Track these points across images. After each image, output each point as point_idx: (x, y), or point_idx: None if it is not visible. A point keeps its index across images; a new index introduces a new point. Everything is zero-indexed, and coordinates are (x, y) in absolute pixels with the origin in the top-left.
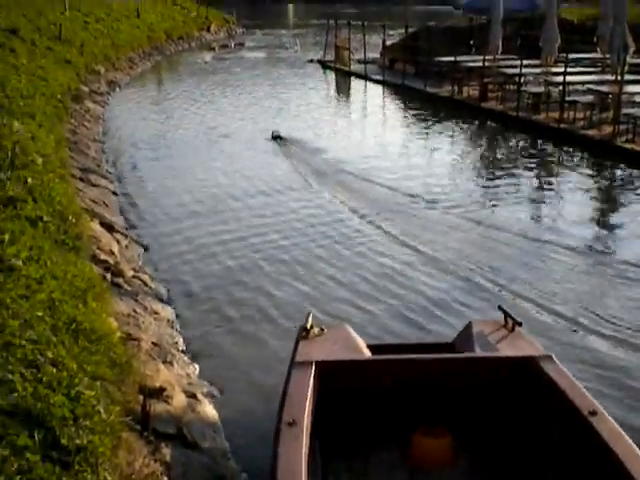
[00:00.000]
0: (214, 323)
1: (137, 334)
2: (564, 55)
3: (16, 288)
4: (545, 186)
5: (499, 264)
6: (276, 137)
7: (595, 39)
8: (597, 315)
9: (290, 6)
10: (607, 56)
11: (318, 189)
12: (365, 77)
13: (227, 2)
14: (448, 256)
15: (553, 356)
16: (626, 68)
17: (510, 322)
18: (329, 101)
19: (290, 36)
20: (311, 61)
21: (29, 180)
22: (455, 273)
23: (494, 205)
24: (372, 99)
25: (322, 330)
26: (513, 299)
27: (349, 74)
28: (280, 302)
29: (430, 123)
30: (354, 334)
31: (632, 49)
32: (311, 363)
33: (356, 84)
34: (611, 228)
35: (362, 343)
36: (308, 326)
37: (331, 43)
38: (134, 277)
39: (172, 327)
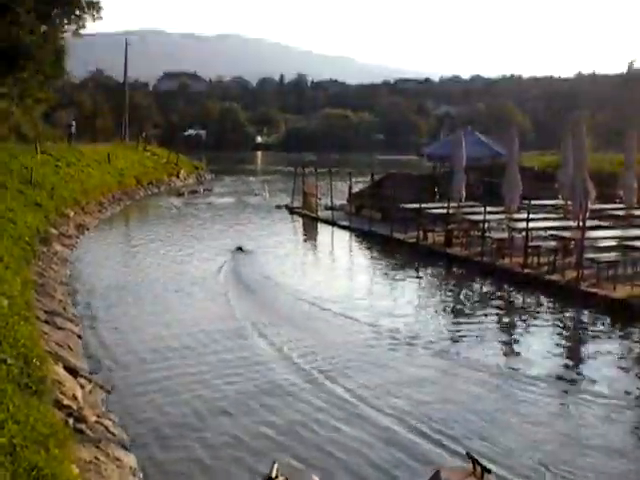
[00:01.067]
0: (180, 473)
1: None
2: (526, 202)
3: None
4: (509, 329)
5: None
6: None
7: (556, 186)
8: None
9: (258, 153)
10: (569, 202)
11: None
12: (332, 223)
13: (197, 148)
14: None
15: None
16: (587, 214)
17: (479, 469)
18: (297, 247)
19: (258, 182)
20: (279, 207)
21: None
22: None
23: (459, 343)
24: (339, 244)
25: (287, 479)
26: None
27: (317, 220)
28: (247, 447)
29: (397, 268)
30: None
31: (593, 195)
32: None
33: (323, 230)
34: (573, 367)
35: None
36: (273, 475)
37: (299, 189)
38: (97, 422)
39: (135, 475)
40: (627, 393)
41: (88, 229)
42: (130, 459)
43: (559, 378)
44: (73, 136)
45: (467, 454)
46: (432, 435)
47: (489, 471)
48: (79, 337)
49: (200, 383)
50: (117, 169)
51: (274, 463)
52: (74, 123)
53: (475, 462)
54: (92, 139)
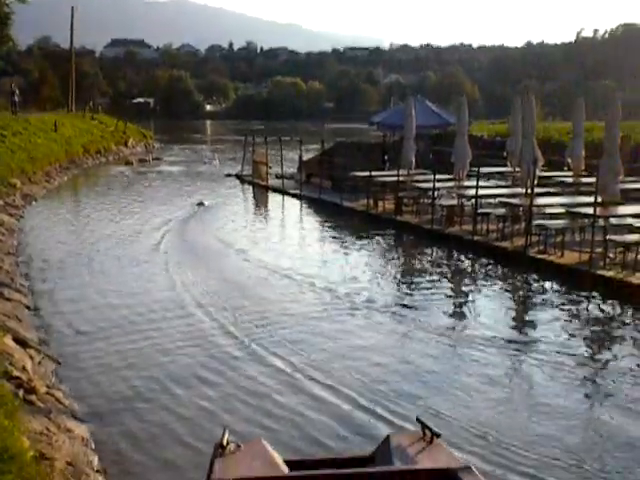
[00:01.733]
0: (131, 441)
1: (50, 453)
2: (475, 169)
3: None
4: (460, 295)
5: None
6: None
7: (505, 154)
8: None
9: (207, 122)
10: (517, 170)
11: None
12: (282, 191)
13: (146, 117)
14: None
15: (472, 467)
16: (536, 181)
17: (428, 433)
18: (247, 214)
19: (208, 151)
20: (229, 175)
21: None
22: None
23: (413, 307)
24: (289, 212)
25: (238, 446)
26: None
27: (267, 188)
28: (192, 417)
29: (346, 236)
30: (271, 449)
31: (541, 163)
32: None
33: (274, 198)
34: (521, 330)
35: (279, 459)
36: (224, 442)
37: (248, 158)
38: (47, 394)
39: (87, 445)
40: (572, 355)
41: (36, 199)
42: (82, 430)
43: (509, 341)
44: (17, 104)
45: (417, 419)
46: (389, 394)
47: (438, 435)
48: (27, 308)
49: (150, 353)
50: (64, 138)
51: (225, 430)
52: (17, 91)
53: (425, 426)
54: (39, 107)
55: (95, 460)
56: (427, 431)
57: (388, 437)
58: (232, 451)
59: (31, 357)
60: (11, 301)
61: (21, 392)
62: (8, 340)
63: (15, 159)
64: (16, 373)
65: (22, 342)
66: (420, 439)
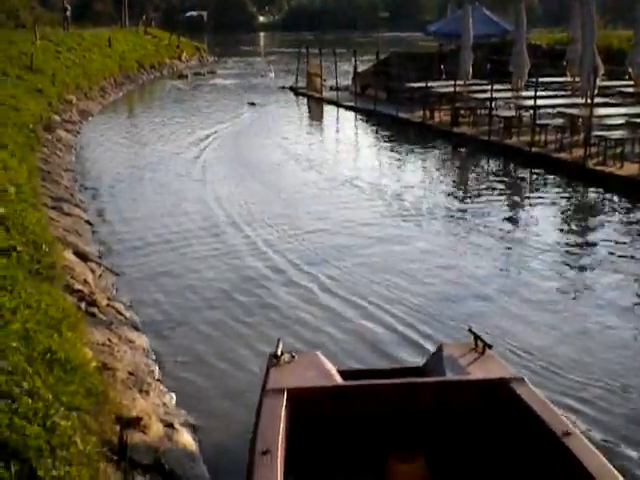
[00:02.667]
0: (190, 351)
1: (113, 363)
2: (534, 79)
3: None
4: (516, 205)
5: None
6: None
7: (564, 63)
8: None
9: (261, 34)
10: (577, 79)
11: None
12: (337, 104)
13: (199, 30)
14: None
15: (525, 378)
16: (596, 91)
17: (480, 345)
18: (301, 127)
19: (262, 63)
20: (283, 88)
21: (1, 210)
22: None
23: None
24: (344, 125)
25: (293, 357)
26: None
27: (321, 100)
28: (253, 326)
29: (402, 148)
30: (325, 360)
31: (601, 72)
32: (282, 391)
33: (328, 110)
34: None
35: (333, 369)
36: (279, 353)
37: (303, 70)
38: (108, 306)
39: (147, 356)
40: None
41: (92, 115)
42: (142, 340)
43: (566, 245)
44: (68, 20)
45: (469, 330)
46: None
47: (490, 346)
48: (87, 223)
49: (202, 266)
50: (118, 53)
51: (279, 341)
52: (69, 7)
53: (477, 337)
54: (93, 23)
55: (156, 369)
56: (479, 342)
57: (440, 347)
58: (287, 361)
59: (92, 270)
60: (71, 216)
61: (83, 304)
62: (69, 254)
63: (70, 75)
64: (78, 286)
65: (83, 256)
66: (472, 350)
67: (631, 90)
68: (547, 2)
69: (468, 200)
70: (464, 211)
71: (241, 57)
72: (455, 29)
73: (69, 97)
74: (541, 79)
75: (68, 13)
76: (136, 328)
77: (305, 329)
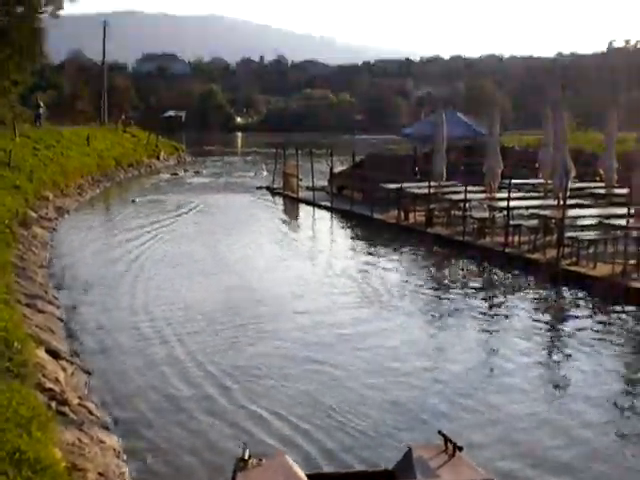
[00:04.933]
0: (160, 452)
1: (83, 464)
2: (507, 181)
3: None
4: (492, 307)
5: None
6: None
7: (537, 165)
8: None
9: (239, 134)
10: (549, 181)
11: None
12: (313, 204)
13: (177, 130)
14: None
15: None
16: (568, 193)
17: (450, 446)
18: (278, 228)
19: (240, 163)
20: (260, 188)
21: None
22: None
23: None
24: (320, 225)
25: (260, 460)
26: None
27: (298, 200)
28: (223, 427)
29: (378, 248)
30: (292, 463)
31: (573, 174)
32: None
33: (305, 210)
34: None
35: (301, 473)
36: (246, 457)
37: (279, 170)
38: (79, 405)
39: (118, 457)
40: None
41: (68, 212)
42: (113, 441)
43: (538, 363)
44: (41, 118)
45: (439, 432)
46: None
47: (461, 448)
48: (60, 320)
49: (181, 367)
50: (97, 151)
51: (245, 445)
52: (42, 104)
53: (447, 439)
54: (72, 121)
55: (126, 471)
56: (449, 444)
57: (410, 450)
58: (254, 465)
59: (64, 369)
60: (44, 313)
61: (54, 403)
62: (41, 352)
63: (48, 172)
64: (49, 385)
65: (55, 354)
66: (442, 452)
67: (602, 192)
68: (519, 106)
69: (443, 302)
70: (440, 316)
71: (219, 156)
72: (429, 132)
73: (46, 194)
74: (514, 181)
75: (41, 110)
76: (107, 428)
77: None
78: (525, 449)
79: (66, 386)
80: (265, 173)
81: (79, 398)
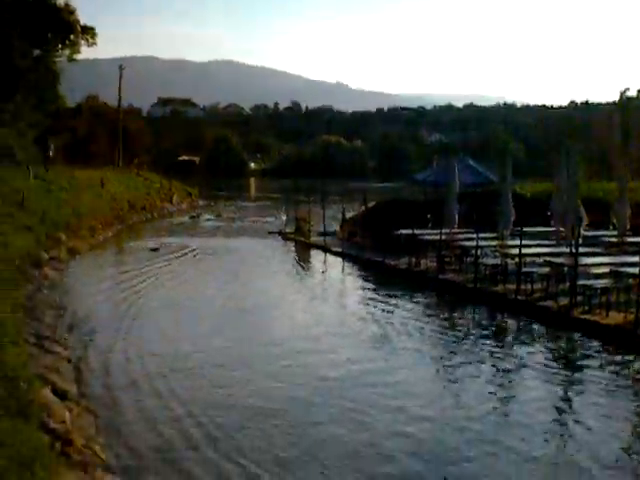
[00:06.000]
0: None
1: None
2: (519, 228)
3: None
4: (504, 357)
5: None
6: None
7: (549, 213)
8: None
9: (252, 180)
10: (561, 229)
11: None
12: (325, 249)
13: (191, 174)
14: None
15: None
16: (580, 240)
17: None
18: (290, 273)
19: (254, 207)
20: (271, 233)
21: None
22: None
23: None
24: (332, 270)
25: None
26: None
27: (309, 245)
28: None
29: (389, 294)
30: None
31: (585, 222)
32: None
33: (316, 255)
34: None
35: None
36: None
37: (291, 216)
38: (85, 446)
39: None
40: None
41: (80, 253)
42: None
43: (551, 408)
44: (49, 159)
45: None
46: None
47: None
48: (68, 361)
49: (187, 406)
50: (110, 194)
51: None
52: (52, 145)
53: None
54: (86, 164)
55: None
56: None
57: None
58: None
59: (69, 409)
60: (52, 353)
61: (58, 444)
62: (47, 392)
63: (61, 213)
64: (54, 425)
65: (61, 394)
66: None
67: (615, 240)
68: (531, 154)
69: (453, 347)
70: (450, 361)
71: (232, 201)
72: (441, 178)
73: (58, 235)
74: (526, 228)
75: (50, 152)
76: (112, 471)
77: None
78: None
79: (71, 427)
80: (284, 217)
81: (84, 439)
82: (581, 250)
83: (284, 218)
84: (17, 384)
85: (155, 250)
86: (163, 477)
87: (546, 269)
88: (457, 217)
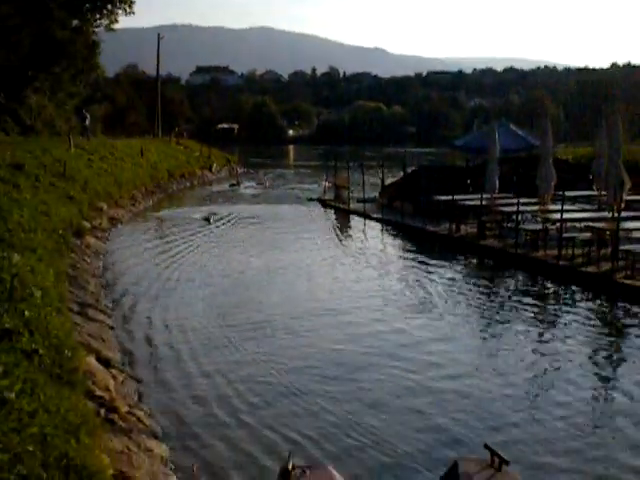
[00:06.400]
0: (207, 463)
1: (130, 472)
2: (560, 193)
3: (7, 421)
4: (544, 321)
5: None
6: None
7: (590, 177)
8: None
9: (291, 147)
10: (603, 193)
11: None
12: (364, 215)
13: (230, 142)
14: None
15: None
16: (622, 205)
17: (497, 460)
18: (329, 239)
19: (293, 175)
20: (311, 199)
21: (26, 313)
22: None
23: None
24: (372, 237)
25: (304, 472)
26: None
27: (349, 212)
28: (272, 435)
29: (430, 260)
30: (337, 475)
31: (628, 186)
32: None
33: (356, 222)
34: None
35: None
36: (290, 467)
37: (331, 182)
38: (129, 413)
39: (166, 465)
40: None
41: (121, 222)
42: (161, 449)
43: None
44: (88, 130)
45: (485, 445)
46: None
47: (507, 462)
48: (111, 329)
49: (228, 374)
50: (150, 162)
51: (290, 455)
52: (88, 116)
53: (493, 453)
54: (126, 133)
55: (174, 479)
56: (496, 458)
57: (456, 463)
58: (297, 476)
59: (114, 377)
60: (96, 321)
61: (103, 411)
62: (92, 360)
63: (102, 183)
64: (99, 392)
65: (105, 362)
66: (488, 466)
67: None
68: (573, 118)
69: (495, 318)
70: (486, 335)
71: (271, 169)
72: (482, 144)
73: (99, 204)
74: (567, 193)
75: (87, 122)
76: (155, 437)
77: None
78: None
79: (116, 394)
80: (326, 184)
81: (129, 406)
82: (623, 214)
83: (326, 184)
84: (62, 352)
85: (207, 220)
86: (203, 442)
87: (588, 234)
88: (498, 182)
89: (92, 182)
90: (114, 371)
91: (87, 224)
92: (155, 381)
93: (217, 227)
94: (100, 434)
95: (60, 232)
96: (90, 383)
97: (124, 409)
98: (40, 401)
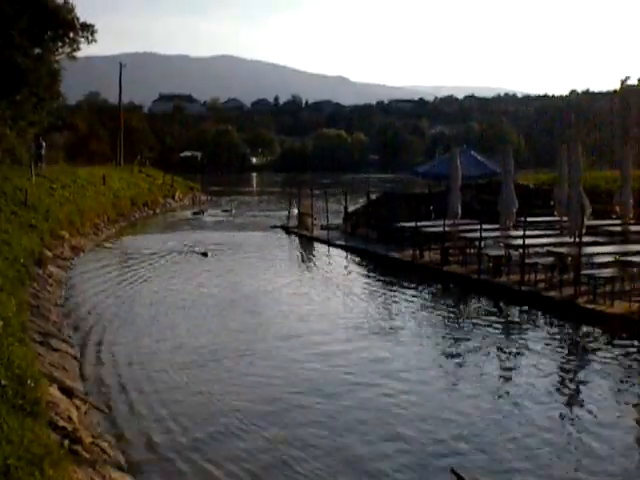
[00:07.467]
0: None
1: None
2: (522, 218)
3: None
4: (508, 346)
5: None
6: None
7: (552, 202)
8: None
9: (254, 174)
10: (564, 218)
11: None
12: (328, 242)
13: (193, 170)
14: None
15: None
16: (584, 230)
17: None
18: (292, 266)
19: (256, 202)
20: (274, 227)
21: None
22: None
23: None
24: (336, 264)
25: None
26: None
27: (312, 239)
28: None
29: (393, 287)
30: None
31: (588, 211)
32: None
33: (319, 249)
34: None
35: None
36: None
37: (294, 210)
38: (93, 444)
39: None
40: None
41: (83, 251)
42: None
43: (557, 391)
44: (43, 158)
45: (451, 470)
46: None
47: None
48: (74, 358)
49: (205, 398)
50: (112, 191)
51: None
52: (44, 144)
53: (459, 478)
54: (87, 161)
55: None
56: None
57: None
58: None
59: (77, 407)
60: (58, 351)
61: (66, 442)
62: (55, 390)
63: (64, 211)
64: (62, 423)
65: (68, 392)
66: None
67: (619, 229)
68: (533, 144)
69: (460, 342)
70: (457, 357)
71: (234, 196)
72: (443, 170)
73: (61, 233)
74: (529, 218)
75: (43, 151)
76: (120, 468)
77: None
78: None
79: (79, 424)
80: (295, 211)
81: (92, 437)
82: (585, 239)
83: (295, 212)
84: (24, 382)
85: (204, 255)
86: (170, 473)
87: (550, 259)
88: (460, 209)
89: (54, 211)
90: (77, 401)
91: (49, 253)
92: (119, 410)
93: (178, 255)
94: (64, 465)
95: (22, 261)
96: (53, 414)
97: (88, 440)
98: (3, 432)
